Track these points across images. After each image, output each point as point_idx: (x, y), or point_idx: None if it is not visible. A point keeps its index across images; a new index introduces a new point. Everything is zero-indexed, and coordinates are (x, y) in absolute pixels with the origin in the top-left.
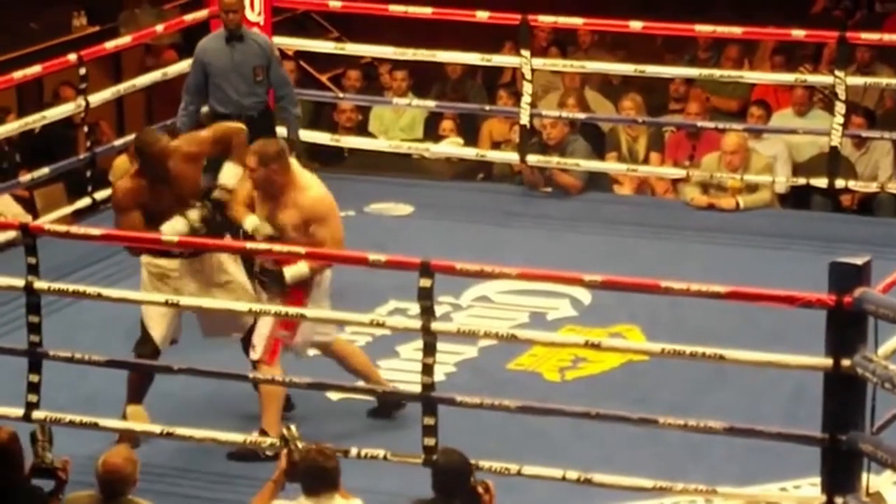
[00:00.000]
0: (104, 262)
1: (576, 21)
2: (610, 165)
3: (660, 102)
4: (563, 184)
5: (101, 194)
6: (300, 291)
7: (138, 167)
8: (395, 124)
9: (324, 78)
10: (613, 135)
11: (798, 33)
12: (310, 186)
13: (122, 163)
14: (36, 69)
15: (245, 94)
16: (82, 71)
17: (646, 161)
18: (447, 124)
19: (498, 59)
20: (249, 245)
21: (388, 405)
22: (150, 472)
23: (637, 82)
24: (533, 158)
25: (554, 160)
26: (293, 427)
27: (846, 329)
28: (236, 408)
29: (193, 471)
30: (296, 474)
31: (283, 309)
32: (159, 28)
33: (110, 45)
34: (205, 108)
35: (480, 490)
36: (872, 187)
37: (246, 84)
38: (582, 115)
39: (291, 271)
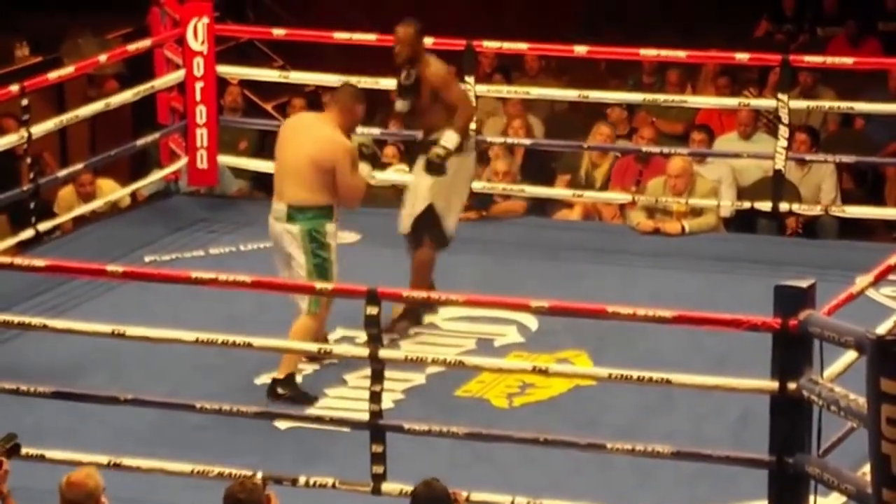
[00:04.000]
0: (49, 293)
1: (520, 46)
2: (555, 191)
3: None
4: (503, 214)
5: (44, 225)
6: None
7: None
8: None
9: (268, 106)
10: (572, 157)
11: (741, 57)
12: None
13: (66, 194)
14: None
15: None
16: (25, 102)
17: (605, 189)
18: (389, 150)
19: None
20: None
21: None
22: None
23: (581, 108)
24: (478, 185)
25: (499, 187)
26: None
27: (792, 352)
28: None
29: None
30: None
31: (251, 340)
32: (102, 58)
33: (53, 75)
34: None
35: None
36: (816, 210)
37: None
38: (528, 141)
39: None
